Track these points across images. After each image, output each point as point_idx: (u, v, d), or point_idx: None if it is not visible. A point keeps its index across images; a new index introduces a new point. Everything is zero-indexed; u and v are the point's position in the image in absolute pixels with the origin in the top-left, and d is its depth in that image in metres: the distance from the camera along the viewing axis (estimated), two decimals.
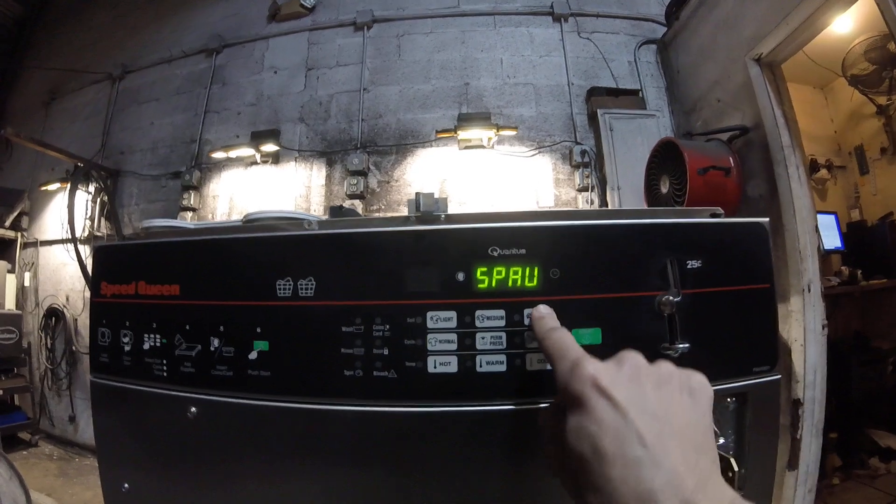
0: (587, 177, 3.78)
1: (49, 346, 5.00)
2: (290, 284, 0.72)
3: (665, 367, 0.52)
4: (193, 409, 0.80)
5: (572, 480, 0.48)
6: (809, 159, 3.56)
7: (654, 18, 4.24)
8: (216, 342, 0.77)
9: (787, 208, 2.62)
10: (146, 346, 0.84)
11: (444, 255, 0.69)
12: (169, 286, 0.82)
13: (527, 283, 0.68)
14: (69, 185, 4.56)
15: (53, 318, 5.02)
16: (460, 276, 0.68)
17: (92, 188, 4.83)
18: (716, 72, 3.29)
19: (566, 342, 0.57)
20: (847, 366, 3.68)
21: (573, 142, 3.91)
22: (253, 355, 0.74)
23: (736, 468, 0.75)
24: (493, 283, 0.68)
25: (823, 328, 2.58)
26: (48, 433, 4.95)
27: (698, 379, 0.52)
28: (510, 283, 0.68)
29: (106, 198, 4.74)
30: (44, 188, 5.15)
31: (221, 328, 0.76)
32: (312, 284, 0.71)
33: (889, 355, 3.92)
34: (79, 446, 4.67)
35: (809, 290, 2.56)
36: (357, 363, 0.69)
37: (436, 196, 0.70)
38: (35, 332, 5.11)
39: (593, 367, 0.50)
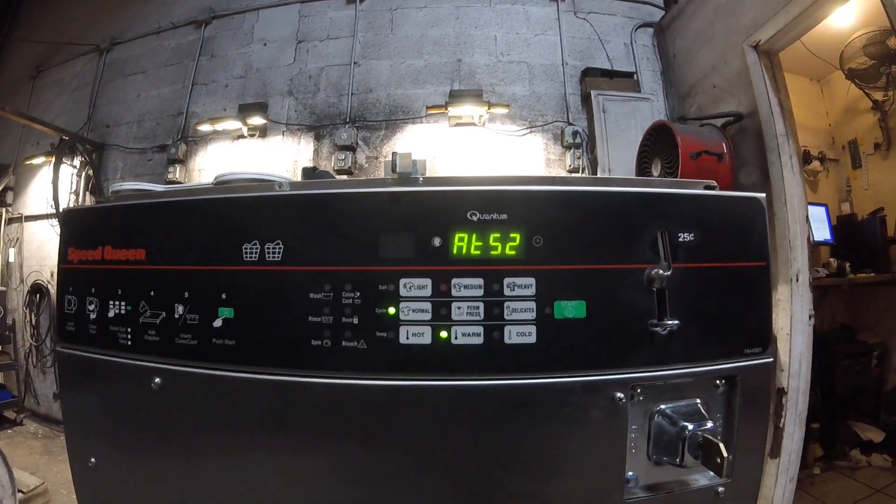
0: (578, 158, 3.75)
1: (34, 322, 4.92)
2: (256, 248, 0.68)
3: None
4: (157, 380, 0.76)
5: None
6: (803, 150, 3.54)
7: (652, 2, 4.20)
8: (180, 309, 0.73)
9: (778, 197, 2.60)
10: (111, 314, 0.80)
11: (419, 218, 0.65)
12: (135, 251, 0.78)
13: (507, 251, 0.64)
14: (54, 159, 4.48)
15: (38, 295, 4.93)
16: (436, 242, 0.64)
17: (77, 162, 4.73)
18: (712, 57, 3.26)
19: None
20: (832, 357, 3.69)
21: (566, 122, 3.87)
22: (217, 323, 0.70)
23: (725, 454, 0.72)
24: (472, 250, 0.64)
25: (810, 318, 2.59)
26: (33, 411, 4.89)
27: None
28: (489, 251, 0.64)
29: (91, 172, 4.66)
30: (28, 162, 5.04)
31: (186, 294, 0.73)
32: (280, 248, 0.67)
33: (874, 349, 3.95)
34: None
35: (798, 280, 2.55)
36: (325, 332, 0.65)
37: (414, 157, 0.66)
38: (20, 308, 5.03)
39: None
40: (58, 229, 4.52)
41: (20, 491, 2.89)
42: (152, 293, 0.76)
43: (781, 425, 2.53)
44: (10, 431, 4.55)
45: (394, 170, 0.68)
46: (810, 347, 2.59)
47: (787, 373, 2.53)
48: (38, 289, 4.91)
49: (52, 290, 4.82)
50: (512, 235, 0.65)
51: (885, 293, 4.02)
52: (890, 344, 3.98)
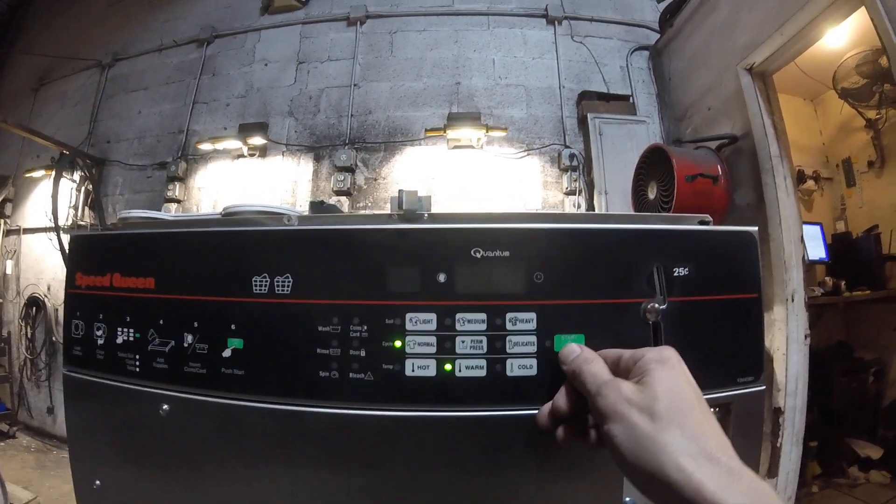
0: (575, 180, 3.78)
1: (29, 335, 4.90)
2: (266, 281, 0.70)
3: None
4: (166, 407, 0.77)
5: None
6: (797, 170, 3.58)
7: (647, 25, 4.25)
8: (189, 338, 0.74)
9: (773, 218, 2.63)
10: (119, 340, 0.81)
11: (425, 254, 0.67)
12: (143, 279, 0.79)
13: (509, 287, 0.67)
14: (54, 173, 4.49)
15: (34, 308, 4.92)
16: (441, 278, 0.66)
17: (77, 176, 4.74)
18: (707, 80, 3.31)
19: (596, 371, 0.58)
20: (829, 375, 3.70)
21: (562, 145, 3.91)
22: (227, 353, 0.71)
23: None
24: (475, 286, 0.67)
25: (806, 338, 2.60)
26: (27, 424, 4.86)
27: (671, 354, 0.56)
28: (492, 286, 0.67)
29: (90, 187, 4.67)
30: (28, 175, 5.04)
31: (195, 324, 0.74)
32: (289, 282, 0.69)
33: (871, 366, 3.95)
34: (57, 438, 4.59)
35: (793, 300, 2.57)
36: (333, 364, 0.67)
37: (419, 194, 0.69)
38: (15, 321, 5.01)
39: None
40: (55, 243, 4.52)
41: None
42: (161, 322, 0.77)
43: (779, 444, 2.54)
44: (2, 444, 4.52)
45: (400, 206, 0.70)
46: (806, 366, 2.61)
47: (783, 392, 2.54)
48: (34, 302, 4.90)
49: (49, 303, 4.81)
50: (514, 271, 0.67)
51: (881, 310, 4.04)
52: (887, 360, 3.99)
